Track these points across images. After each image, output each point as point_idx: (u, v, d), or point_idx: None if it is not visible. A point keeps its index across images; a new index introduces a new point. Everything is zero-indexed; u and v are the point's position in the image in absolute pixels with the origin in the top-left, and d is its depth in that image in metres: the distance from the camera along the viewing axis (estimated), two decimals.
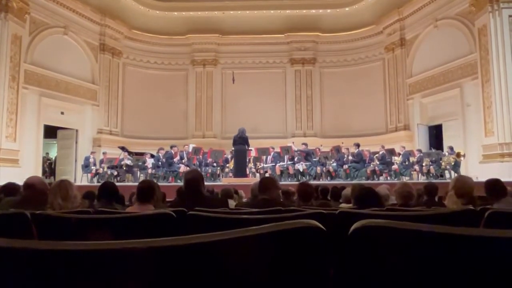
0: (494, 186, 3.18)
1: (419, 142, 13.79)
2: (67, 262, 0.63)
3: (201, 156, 12.61)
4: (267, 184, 3.12)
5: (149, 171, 12.04)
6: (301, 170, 11.87)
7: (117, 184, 5.24)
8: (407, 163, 11.69)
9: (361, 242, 0.73)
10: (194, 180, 2.98)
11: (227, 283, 0.66)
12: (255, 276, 0.67)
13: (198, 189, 2.98)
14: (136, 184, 3.32)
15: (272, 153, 12.40)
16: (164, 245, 0.64)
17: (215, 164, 12.44)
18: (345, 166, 11.73)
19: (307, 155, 12.21)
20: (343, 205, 4.05)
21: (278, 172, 11.82)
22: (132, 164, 12.34)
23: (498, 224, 1.62)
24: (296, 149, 12.52)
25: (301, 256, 0.67)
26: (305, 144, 12.78)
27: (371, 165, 11.63)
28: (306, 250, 0.67)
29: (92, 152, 13.25)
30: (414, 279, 0.71)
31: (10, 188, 4.07)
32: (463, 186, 3.08)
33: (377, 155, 11.86)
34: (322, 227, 0.67)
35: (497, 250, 0.66)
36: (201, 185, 3.02)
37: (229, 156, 12.31)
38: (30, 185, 3.04)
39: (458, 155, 11.00)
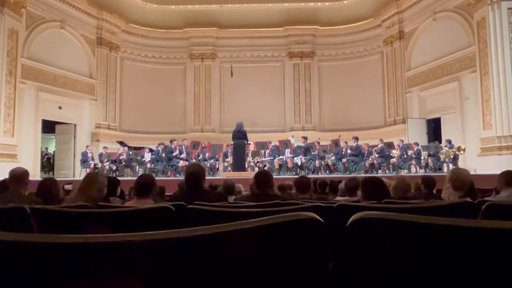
0: (507, 176, 3.19)
1: (411, 135, 13.60)
2: (66, 255, 0.63)
3: (199, 150, 12.60)
4: (261, 179, 3.15)
5: (148, 165, 12.03)
6: (299, 164, 11.88)
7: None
8: (405, 156, 11.72)
9: (359, 234, 0.73)
10: (196, 174, 2.97)
11: (226, 275, 0.66)
12: (254, 268, 0.67)
13: (199, 183, 2.98)
14: (135, 178, 3.31)
15: (270, 147, 12.39)
16: (163, 237, 0.64)
17: (212, 159, 12.41)
18: (344, 160, 11.75)
19: (306, 150, 12.21)
20: (338, 197, 4.06)
21: (276, 166, 11.82)
22: (130, 158, 12.34)
23: (496, 216, 1.63)
24: (296, 145, 12.51)
25: (300, 249, 0.68)
26: (305, 138, 12.76)
27: (370, 159, 11.64)
28: (304, 242, 0.68)
29: (87, 146, 13.22)
30: (412, 271, 0.72)
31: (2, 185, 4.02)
32: (459, 178, 3.09)
33: (375, 148, 11.87)
34: (321, 220, 0.68)
35: (494, 242, 0.67)
36: (202, 180, 3.03)
37: (229, 151, 12.24)
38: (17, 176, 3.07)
39: (459, 148, 11.04)
